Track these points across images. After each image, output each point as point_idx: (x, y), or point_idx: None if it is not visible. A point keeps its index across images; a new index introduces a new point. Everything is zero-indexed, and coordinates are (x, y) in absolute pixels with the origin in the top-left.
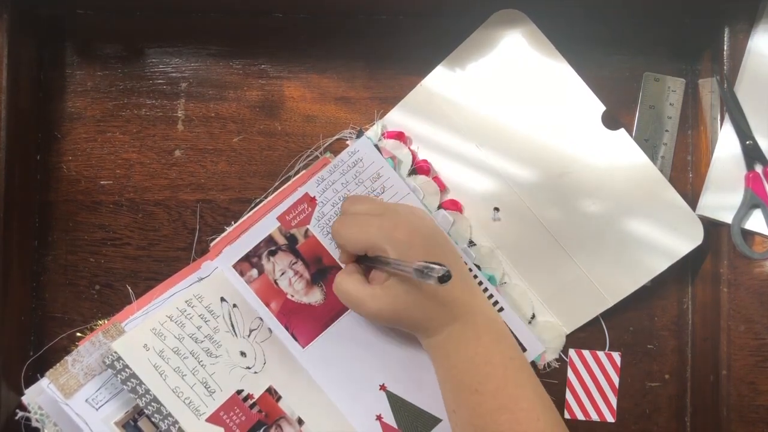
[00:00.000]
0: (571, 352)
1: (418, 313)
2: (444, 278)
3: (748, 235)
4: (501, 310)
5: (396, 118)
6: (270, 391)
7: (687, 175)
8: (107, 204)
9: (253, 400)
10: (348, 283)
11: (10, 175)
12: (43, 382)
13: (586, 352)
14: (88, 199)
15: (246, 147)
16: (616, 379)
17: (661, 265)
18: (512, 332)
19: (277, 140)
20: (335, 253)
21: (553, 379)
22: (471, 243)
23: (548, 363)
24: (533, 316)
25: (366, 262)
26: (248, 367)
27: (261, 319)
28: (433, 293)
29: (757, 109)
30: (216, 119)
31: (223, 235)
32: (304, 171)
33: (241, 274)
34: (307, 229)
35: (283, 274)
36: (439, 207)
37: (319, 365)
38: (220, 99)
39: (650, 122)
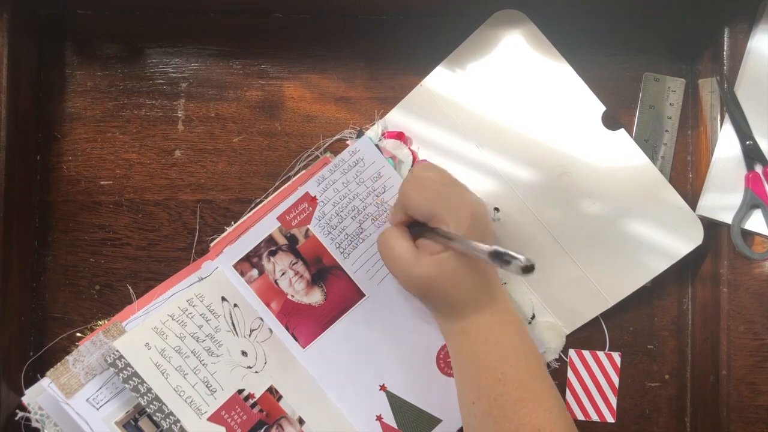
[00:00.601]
0: (571, 353)
1: (456, 292)
2: (528, 269)
3: (748, 236)
4: None
5: (396, 118)
6: (271, 390)
7: (687, 175)
8: (107, 204)
9: (254, 400)
10: (396, 239)
11: (10, 175)
12: (44, 382)
13: (586, 353)
14: (88, 199)
15: (246, 147)
16: (616, 380)
17: (661, 266)
18: None
19: (277, 140)
20: (335, 253)
21: (553, 380)
22: None
23: (548, 363)
24: (533, 317)
25: (419, 230)
26: (249, 367)
27: (261, 319)
28: (477, 277)
29: (757, 109)
30: (216, 119)
31: (223, 235)
32: (304, 171)
33: (242, 274)
34: (308, 229)
35: (283, 274)
36: None
37: (319, 365)
38: (220, 99)
39: (650, 122)
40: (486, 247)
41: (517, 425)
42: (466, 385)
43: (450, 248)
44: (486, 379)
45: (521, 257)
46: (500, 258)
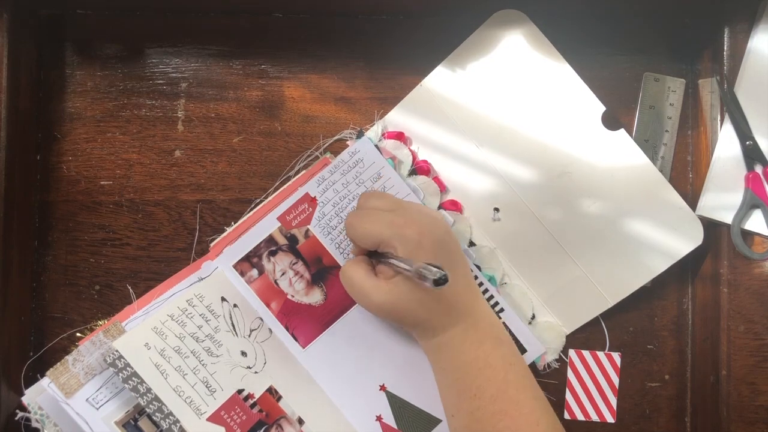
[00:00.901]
0: (571, 353)
1: (420, 312)
2: (439, 281)
3: (748, 236)
4: (501, 310)
5: (396, 118)
6: (270, 390)
7: (687, 175)
8: (107, 204)
9: (254, 400)
10: (354, 271)
11: (10, 175)
12: (44, 382)
13: (586, 353)
14: (88, 199)
15: (246, 147)
16: (616, 380)
17: (661, 266)
18: (512, 333)
19: (277, 140)
20: (335, 253)
21: (553, 380)
22: (471, 243)
23: (548, 363)
24: (533, 317)
25: (375, 257)
26: (249, 367)
27: (261, 319)
28: (437, 295)
29: (757, 109)
30: (216, 119)
31: (223, 235)
32: (304, 171)
33: (242, 274)
34: (308, 229)
35: (283, 274)
36: (440, 207)
37: (319, 365)
38: (220, 99)
39: (650, 122)
40: (411, 264)
41: None
42: (445, 400)
43: (397, 271)
44: (462, 394)
45: (433, 269)
46: (420, 274)
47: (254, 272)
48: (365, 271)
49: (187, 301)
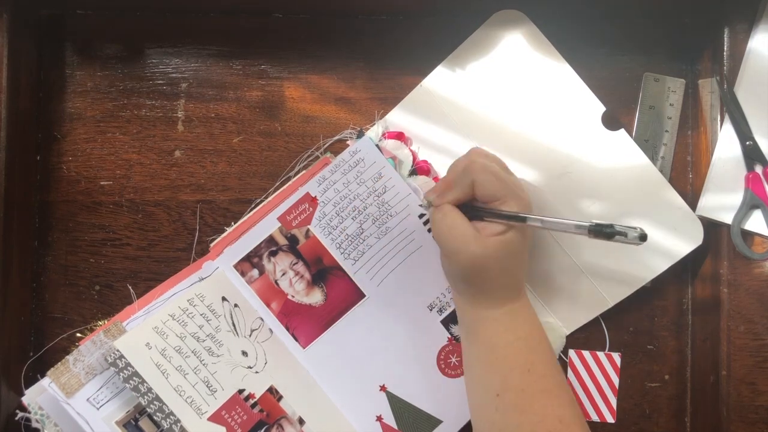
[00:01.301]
0: (571, 353)
1: (504, 278)
2: (644, 237)
3: (748, 236)
4: None
5: (396, 118)
6: (271, 390)
7: (687, 175)
8: (107, 204)
9: (255, 400)
10: (457, 216)
11: (10, 175)
12: (44, 382)
13: (586, 353)
14: (88, 200)
15: (246, 147)
16: (616, 380)
17: (661, 266)
18: None
19: (277, 140)
20: (336, 253)
21: None
22: None
23: None
24: None
25: (475, 213)
26: (250, 367)
27: (262, 319)
28: (523, 267)
29: (757, 109)
30: (216, 119)
31: (223, 235)
32: (304, 171)
33: (242, 274)
34: (308, 230)
35: (283, 274)
36: None
37: (319, 366)
38: (220, 99)
39: (650, 123)
40: (584, 222)
41: (541, 416)
42: (491, 377)
43: (513, 228)
44: (515, 369)
45: (634, 227)
46: (602, 231)
47: (255, 272)
48: (466, 219)
49: (188, 301)
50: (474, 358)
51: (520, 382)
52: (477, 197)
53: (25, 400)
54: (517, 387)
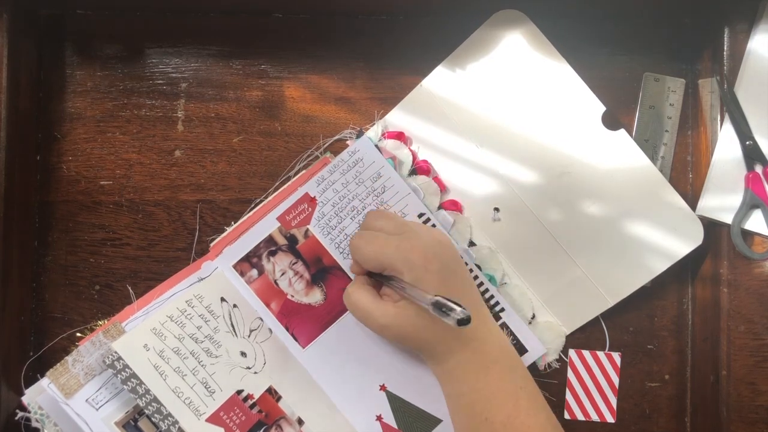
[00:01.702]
0: (571, 353)
1: (426, 336)
2: (463, 322)
3: (748, 236)
4: (501, 310)
5: (396, 118)
6: (270, 391)
7: (687, 175)
8: (107, 204)
9: (253, 401)
10: (359, 295)
11: (10, 175)
12: (44, 382)
13: (586, 353)
14: (88, 199)
15: (246, 147)
16: (616, 380)
17: (661, 266)
18: (512, 333)
19: (277, 140)
20: (335, 253)
21: (553, 380)
22: (471, 243)
23: (548, 363)
24: (533, 317)
25: (380, 279)
26: (248, 367)
27: (261, 319)
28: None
29: (757, 109)
30: (216, 119)
31: (223, 235)
32: (303, 171)
33: (242, 274)
34: (308, 229)
35: (283, 274)
36: (440, 207)
37: (319, 365)
38: (220, 99)
39: (650, 122)
40: (428, 296)
41: None
42: (456, 423)
43: (404, 297)
44: (473, 418)
45: (456, 308)
46: (440, 309)
47: (254, 272)
48: (371, 295)
49: (186, 302)
50: (448, 408)
51: (481, 430)
52: (368, 269)
53: (25, 399)
54: None
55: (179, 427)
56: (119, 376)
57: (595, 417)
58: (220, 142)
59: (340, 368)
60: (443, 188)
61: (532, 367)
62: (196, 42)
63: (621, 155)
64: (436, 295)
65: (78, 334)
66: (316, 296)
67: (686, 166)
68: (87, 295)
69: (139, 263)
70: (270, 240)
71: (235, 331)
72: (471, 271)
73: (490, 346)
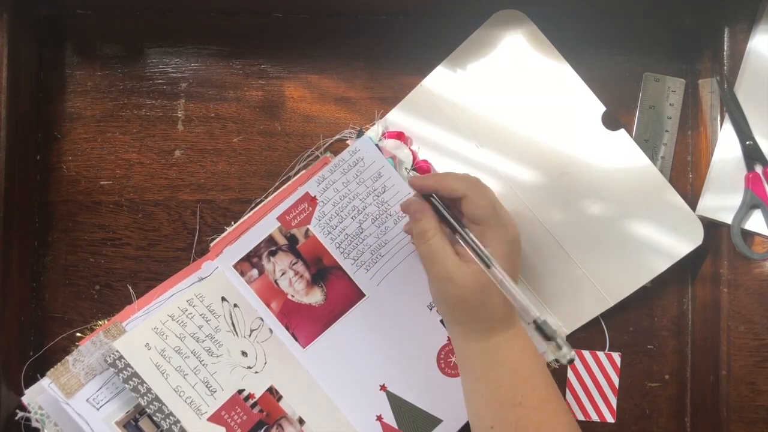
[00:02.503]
0: None
1: (486, 312)
2: (570, 361)
3: (748, 236)
4: None
5: (396, 118)
6: (271, 390)
7: (687, 175)
8: (107, 204)
9: (254, 400)
10: (441, 245)
11: (10, 175)
12: (44, 382)
13: (586, 353)
14: (88, 199)
15: (246, 147)
16: (616, 380)
17: (661, 266)
18: None
19: (277, 140)
20: (335, 253)
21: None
22: None
23: (548, 363)
24: None
25: (459, 235)
26: (249, 367)
27: (262, 319)
28: (503, 296)
29: (757, 109)
30: (216, 119)
31: (223, 235)
32: (304, 171)
33: (242, 274)
34: (308, 229)
35: (283, 274)
36: None
37: (319, 365)
38: (220, 99)
39: (650, 122)
40: (534, 311)
41: None
42: (484, 410)
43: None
44: (506, 402)
45: (566, 349)
46: (542, 331)
47: (254, 272)
48: (451, 249)
49: (187, 301)
50: (469, 390)
51: (513, 415)
52: (464, 213)
53: (25, 399)
54: (510, 420)
55: (181, 427)
56: (121, 375)
57: (595, 417)
58: (220, 142)
59: (340, 368)
60: None
61: None
62: (196, 42)
63: (621, 155)
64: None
65: (78, 334)
66: (316, 296)
67: (686, 166)
68: (87, 295)
69: (139, 263)
70: (270, 240)
71: (235, 331)
72: None
73: (523, 332)
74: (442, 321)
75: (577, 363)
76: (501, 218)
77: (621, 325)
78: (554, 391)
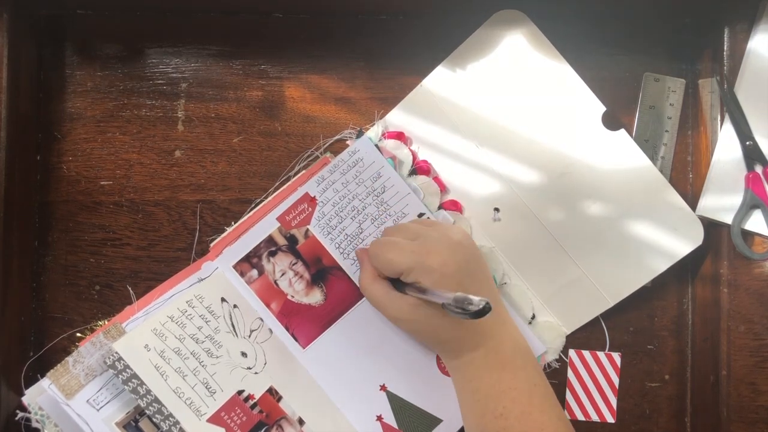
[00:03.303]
0: (571, 353)
1: (443, 335)
2: (482, 312)
3: (748, 236)
4: None
5: (396, 118)
6: (271, 391)
7: (687, 175)
8: (107, 204)
9: (254, 401)
10: (373, 288)
11: (10, 175)
12: (44, 383)
13: (586, 353)
14: (88, 200)
15: (246, 147)
16: (616, 380)
17: (661, 266)
18: None
19: (277, 140)
20: (335, 253)
21: (553, 380)
22: None
23: (548, 363)
24: (533, 317)
25: (400, 286)
26: (249, 368)
27: (261, 319)
28: (460, 321)
29: (757, 109)
30: (216, 119)
31: (223, 235)
32: (304, 171)
33: (242, 274)
34: (308, 230)
35: (283, 274)
36: (440, 207)
37: (319, 366)
38: (220, 99)
39: (650, 123)
40: (446, 294)
41: None
42: (469, 420)
43: (425, 300)
44: (487, 414)
45: (474, 299)
46: (461, 305)
47: (254, 273)
48: (385, 287)
49: (186, 302)
50: (458, 398)
51: (495, 426)
52: (386, 275)
53: (25, 400)
54: (492, 430)
55: (180, 428)
56: (120, 376)
57: (595, 417)
58: (220, 142)
59: (340, 368)
60: (443, 188)
61: None
62: (196, 42)
63: (621, 155)
64: (458, 294)
65: (78, 335)
66: (316, 296)
67: (686, 166)
68: (87, 295)
69: (139, 263)
70: (270, 240)
71: (235, 332)
72: (497, 291)
73: (506, 345)
74: None
75: (577, 363)
76: (414, 257)
77: (621, 325)
78: (541, 402)
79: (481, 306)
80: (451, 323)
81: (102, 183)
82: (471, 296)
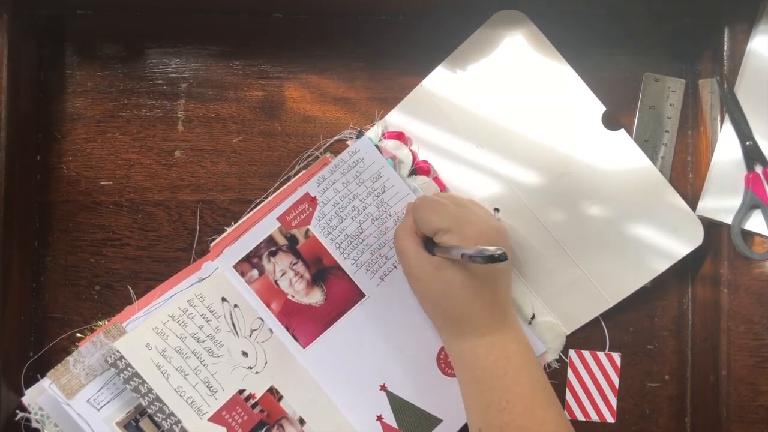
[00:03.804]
0: (571, 353)
1: (454, 308)
2: (500, 258)
3: (748, 236)
4: None
5: (396, 118)
6: (271, 391)
7: (687, 175)
8: (107, 204)
9: (255, 400)
10: (406, 241)
11: (10, 175)
12: (45, 383)
13: (586, 353)
14: (88, 200)
15: (246, 147)
16: (616, 380)
17: (661, 266)
18: None
19: (277, 141)
20: (336, 253)
21: (553, 380)
22: None
23: (548, 363)
24: (533, 317)
25: (429, 248)
26: (250, 367)
27: (262, 319)
28: (485, 300)
29: (757, 109)
30: (216, 120)
31: (223, 235)
32: (304, 171)
33: (242, 274)
34: (308, 230)
35: (283, 274)
36: None
37: (319, 365)
38: (220, 99)
39: (650, 123)
40: (469, 249)
41: None
42: (472, 413)
43: (451, 259)
44: (491, 407)
45: (491, 247)
46: (479, 251)
47: (254, 272)
48: (416, 243)
49: (188, 302)
50: (460, 389)
51: (498, 420)
52: (422, 231)
53: (25, 400)
54: (494, 425)
55: (182, 427)
56: (121, 375)
57: (595, 417)
58: (220, 142)
59: (340, 368)
60: (443, 188)
61: None
62: (196, 42)
63: (621, 155)
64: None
65: (78, 335)
66: (316, 296)
67: (686, 166)
68: (87, 295)
69: (139, 263)
70: (270, 240)
71: (236, 331)
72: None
73: (514, 336)
74: None
75: (577, 363)
76: (455, 221)
77: (621, 325)
78: (543, 398)
79: (497, 254)
80: (466, 297)
81: (102, 183)
82: (489, 247)
